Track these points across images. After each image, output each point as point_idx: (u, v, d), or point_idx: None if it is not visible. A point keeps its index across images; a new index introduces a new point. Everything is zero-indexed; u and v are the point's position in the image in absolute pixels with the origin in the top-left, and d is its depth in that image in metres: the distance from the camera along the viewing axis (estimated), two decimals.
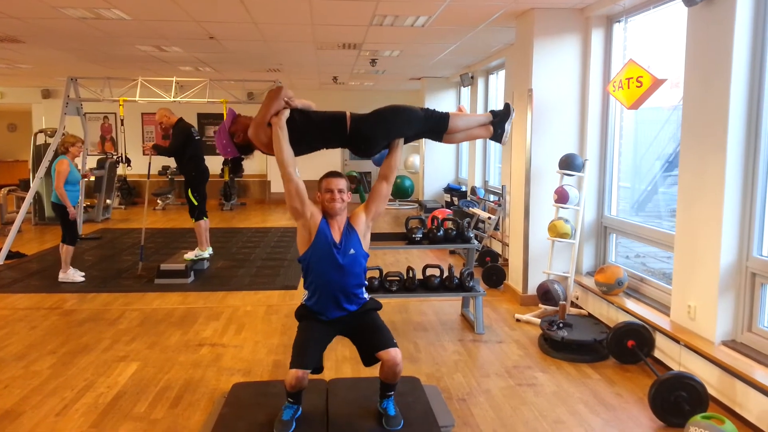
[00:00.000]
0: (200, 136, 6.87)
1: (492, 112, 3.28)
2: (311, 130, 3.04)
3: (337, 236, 2.97)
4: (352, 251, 2.97)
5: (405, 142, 3.17)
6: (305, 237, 2.98)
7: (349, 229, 3.01)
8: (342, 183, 3.00)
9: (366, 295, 3.13)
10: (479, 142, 9.23)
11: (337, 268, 2.94)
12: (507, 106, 3.27)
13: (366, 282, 3.15)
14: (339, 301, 3.00)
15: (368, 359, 3.03)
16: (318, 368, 3.01)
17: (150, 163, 7.15)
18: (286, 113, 2.94)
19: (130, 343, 4.61)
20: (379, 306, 3.16)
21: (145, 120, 13.97)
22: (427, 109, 3.16)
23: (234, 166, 3.27)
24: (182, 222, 10.73)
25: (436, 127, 3.13)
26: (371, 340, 2.99)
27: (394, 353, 2.89)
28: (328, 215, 3.00)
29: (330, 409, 3.18)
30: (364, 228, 3.05)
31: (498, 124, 3.24)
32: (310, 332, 3.01)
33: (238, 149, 3.11)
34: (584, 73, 5.39)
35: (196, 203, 6.66)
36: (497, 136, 3.26)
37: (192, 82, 9.17)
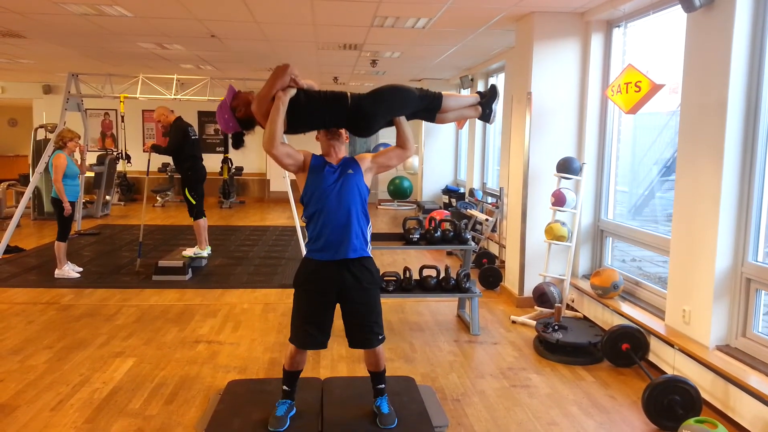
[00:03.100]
0: (197, 134, 6.87)
1: (479, 93, 3.35)
2: (314, 108, 3.04)
3: (333, 161, 3.03)
4: (350, 171, 2.99)
5: None
6: (302, 176, 3.02)
7: (351, 160, 3.06)
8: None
9: (369, 249, 3.10)
10: (478, 144, 9.26)
11: (334, 185, 2.95)
12: (493, 87, 3.33)
13: (369, 218, 3.10)
14: (342, 229, 2.94)
15: (352, 345, 3.09)
16: (322, 345, 3.05)
17: (149, 161, 7.16)
18: (292, 91, 2.94)
19: (126, 339, 4.62)
20: (381, 282, 3.17)
21: (146, 117, 13.98)
22: (421, 88, 3.20)
23: (236, 140, 3.24)
24: (181, 219, 10.73)
25: (430, 105, 3.18)
26: (360, 332, 3.03)
27: (376, 353, 3.04)
28: (326, 148, 3.07)
29: (325, 407, 3.20)
30: (367, 165, 3.08)
31: (485, 104, 3.32)
32: (310, 307, 3.01)
33: (239, 124, 3.12)
34: (583, 77, 5.41)
35: (194, 202, 6.67)
36: (485, 116, 3.34)
37: (193, 80, 9.18)
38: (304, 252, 3.12)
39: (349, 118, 3.09)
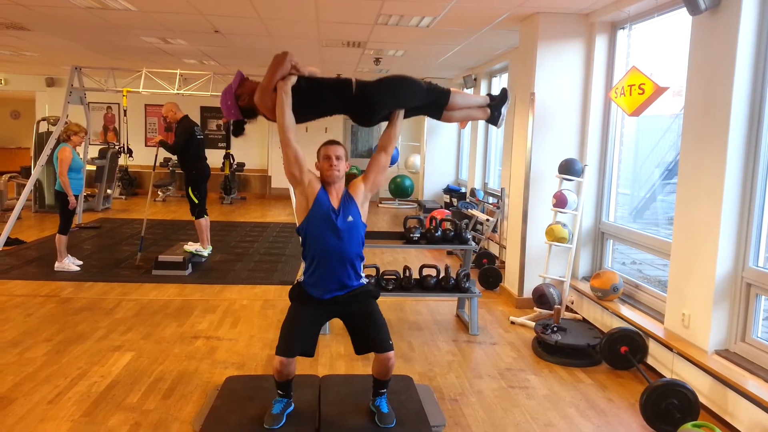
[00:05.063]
0: (203, 134, 6.87)
1: (489, 95, 3.32)
2: (317, 95, 3.02)
3: (335, 203, 2.97)
4: (350, 218, 2.96)
5: (406, 116, 3.16)
6: (303, 204, 2.98)
7: (348, 198, 3.01)
8: (340, 150, 3.00)
9: (364, 277, 3.12)
10: (480, 144, 9.24)
11: (336, 233, 2.92)
12: (504, 91, 3.30)
13: (363, 257, 3.11)
14: (337, 273, 2.95)
15: (361, 350, 3.04)
16: (307, 353, 2.98)
17: (156, 155, 7.15)
18: (293, 79, 2.93)
19: (125, 333, 4.62)
20: (378, 294, 3.15)
21: (148, 111, 13.98)
22: (430, 82, 3.17)
23: (236, 128, 3.23)
24: (182, 214, 10.73)
25: (437, 101, 3.14)
26: (368, 337, 2.99)
27: (390, 356, 2.92)
28: (326, 183, 3.00)
29: (322, 405, 3.19)
30: (362, 198, 3.05)
31: (495, 107, 3.29)
32: (300, 317, 2.99)
33: (242, 112, 3.09)
34: (587, 79, 5.40)
35: (196, 201, 6.67)
36: (494, 119, 3.31)
37: (196, 75, 9.18)
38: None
39: (353, 106, 3.06)
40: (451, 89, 3.17)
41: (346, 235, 2.94)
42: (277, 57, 2.93)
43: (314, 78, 3.06)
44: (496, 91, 3.73)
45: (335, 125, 13.31)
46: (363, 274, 3.11)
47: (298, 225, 3.02)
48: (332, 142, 3.04)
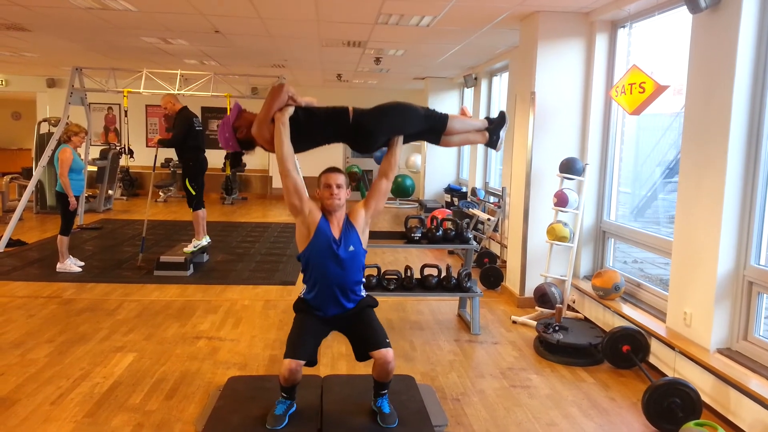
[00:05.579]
0: (203, 127, 6.86)
1: (487, 118, 3.36)
2: (314, 126, 3.05)
3: (336, 232, 2.98)
4: (351, 248, 2.99)
5: (404, 142, 3.18)
6: (304, 234, 3.00)
7: (348, 226, 3.02)
8: (340, 178, 3.01)
9: (363, 293, 3.14)
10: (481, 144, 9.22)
11: (337, 264, 2.96)
12: (502, 114, 3.34)
13: (364, 279, 3.16)
14: (337, 298, 3.01)
15: (361, 355, 3.06)
16: (312, 361, 3.01)
17: (156, 156, 7.15)
18: (290, 110, 2.96)
19: (127, 333, 4.62)
20: (375, 303, 3.18)
21: (149, 112, 13.98)
22: (428, 108, 3.20)
23: (234, 159, 3.28)
24: (183, 214, 10.73)
25: (435, 127, 3.16)
26: (365, 338, 3.01)
27: (386, 353, 2.91)
28: (326, 211, 3.01)
29: (324, 405, 3.19)
30: (363, 225, 3.07)
31: (493, 130, 3.32)
32: (306, 325, 3.02)
33: (239, 144, 3.12)
34: (587, 78, 5.39)
35: (194, 193, 6.67)
36: (492, 142, 3.35)
37: (196, 76, 9.19)
38: None
39: (350, 134, 3.08)
40: (449, 115, 3.18)
41: (348, 263, 2.98)
42: (274, 89, 2.96)
43: (311, 108, 3.08)
44: (495, 104, 3.74)
45: None
46: (363, 294, 3.14)
47: (299, 252, 3.05)
48: (333, 170, 3.05)
